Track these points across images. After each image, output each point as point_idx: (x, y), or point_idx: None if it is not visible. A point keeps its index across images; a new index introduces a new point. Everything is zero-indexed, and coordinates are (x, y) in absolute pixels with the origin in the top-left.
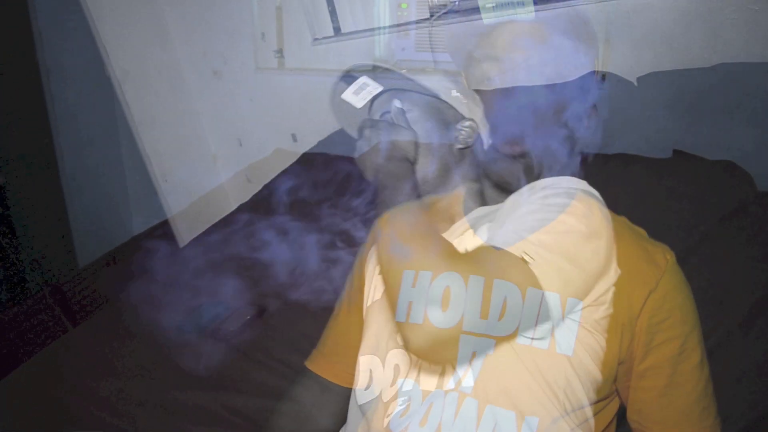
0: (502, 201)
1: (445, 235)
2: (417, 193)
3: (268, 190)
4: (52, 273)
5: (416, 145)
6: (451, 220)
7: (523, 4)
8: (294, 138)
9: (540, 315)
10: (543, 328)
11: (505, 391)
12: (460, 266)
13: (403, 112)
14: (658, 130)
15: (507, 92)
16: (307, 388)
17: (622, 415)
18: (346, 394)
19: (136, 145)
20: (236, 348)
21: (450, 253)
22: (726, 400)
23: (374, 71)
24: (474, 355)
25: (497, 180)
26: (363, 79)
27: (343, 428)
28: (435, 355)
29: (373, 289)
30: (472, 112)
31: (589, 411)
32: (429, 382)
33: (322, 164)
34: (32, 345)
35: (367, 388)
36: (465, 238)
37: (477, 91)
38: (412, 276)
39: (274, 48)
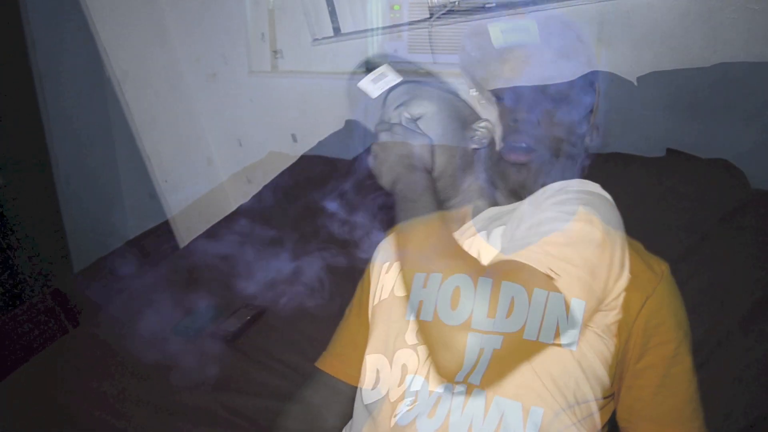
0: (512, 201)
1: (455, 235)
2: (438, 206)
3: (268, 190)
4: (47, 277)
5: (433, 147)
6: (462, 220)
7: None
8: (294, 138)
9: (561, 322)
10: (549, 326)
11: (511, 383)
12: (470, 268)
13: (414, 123)
14: (657, 130)
15: (522, 91)
16: (318, 387)
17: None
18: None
19: (133, 147)
20: (236, 348)
21: (459, 256)
22: (726, 400)
23: (395, 65)
24: (482, 351)
25: (507, 182)
26: (384, 69)
27: (346, 427)
28: (444, 351)
29: (380, 288)
30: (489, 112)
31: (593, 406)
32: (437, 378)
33: (321, 165)
34: (31, 346)
35: (373, 388)
36: (478, 240)
37: (492, 91)
38: (423, 278)
39: (274, 48)
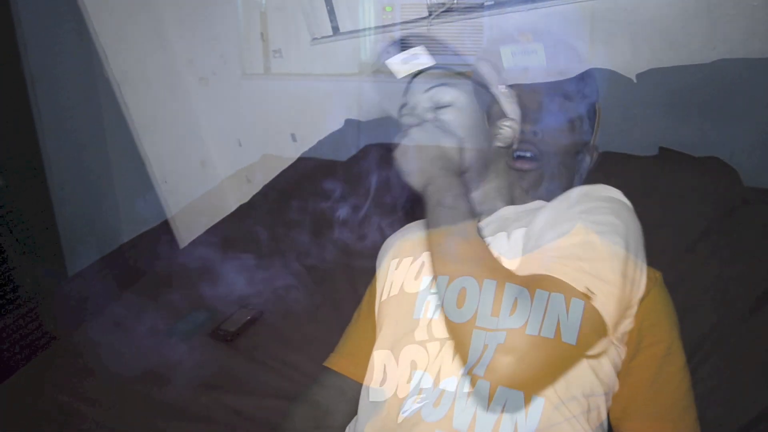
0: (527, 201)
1: None
2: (473, 214)
3: (268, 190)
4: (41, 280)
5: (462, 142)
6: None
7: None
8: (294, 138)
9: (561, 319)
10: (550, 321)
11: (514, 374)
12: (476, 271)
13: (442, 110)
14: (656, 127)
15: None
16: (326, 387)
17: None
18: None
19: (130, 149)
20: (236, 349)
21: (498, 268)
22: (728, 397)
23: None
24: (486, 347)
25: (524, 182)
26: (417, 49)
27: (350, 425)
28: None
29: (390, 285)
30: (514, 111)
31: (598, 401)
32: (444, 372)
33: (321, 165)
34: (27, 350)
35: (381, 384)
36: (498, 240)
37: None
38: (429, 281)
39: (270, 49)
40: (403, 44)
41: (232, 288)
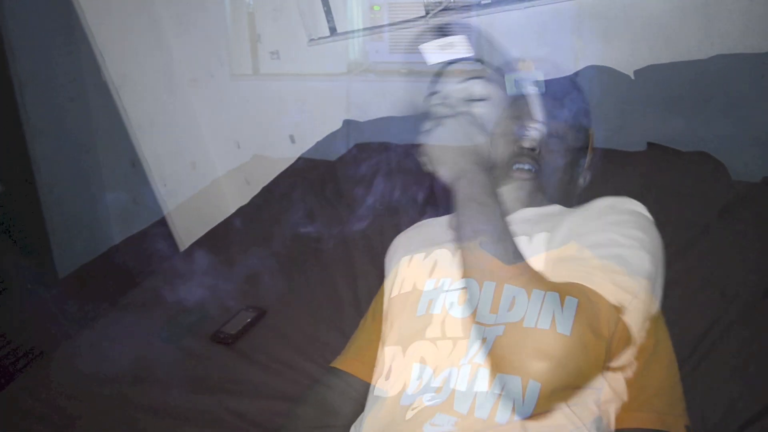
0: (545, 203)
1: None
2: (502, 212)
3: (267, 192)
4: (32, 283)
5: (492, 139)
6: None
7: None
8: (292, 139)
9: (556, 313)
10: (546, 314)
11: (512, 362)
12: (478, 275)
13: (475, 103)
14: (654, 124)
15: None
16: (332, 388)
17: None
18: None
19: (128, 152)
20: (237, 351)
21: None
22: (729, 393)
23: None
24: (485, 340)
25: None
26: (458, 38)
27: (356, 422)
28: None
29: (401, 281)
30: (542, 115)
31: (590, 395)
32: (446, 362)
33: (319, 165)
34: (15, 355)
35: (387, 379)
36: (520, 243)
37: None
38: (434, 283)
39: (257, 51)
40: (443, 32)
41: (232, 290)
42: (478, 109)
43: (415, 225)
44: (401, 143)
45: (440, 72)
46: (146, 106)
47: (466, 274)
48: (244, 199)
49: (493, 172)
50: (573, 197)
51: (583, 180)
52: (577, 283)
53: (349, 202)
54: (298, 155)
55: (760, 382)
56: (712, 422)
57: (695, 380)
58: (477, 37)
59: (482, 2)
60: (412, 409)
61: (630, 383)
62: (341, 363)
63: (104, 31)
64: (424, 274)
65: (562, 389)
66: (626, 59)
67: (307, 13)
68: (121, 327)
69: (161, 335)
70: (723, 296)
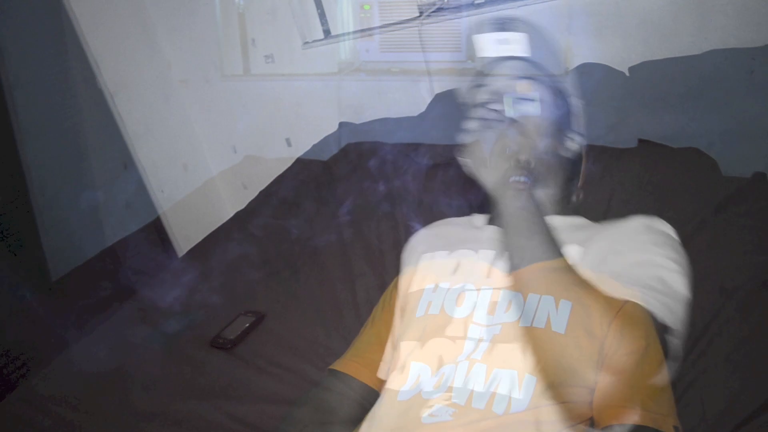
0: (569, 214)
1: None
2: (543, 217)
3: (264, 196)
4: (24, 286)
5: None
6: None
7: None
8: (288, 143)
9: (551, 315)
10: (541, 314)
11: (507, 358)
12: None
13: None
14: (651, 121)
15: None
16: (331, 390)
17: None
18: (370, 395)
19: (127, 156)
20: (236, 356)
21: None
22: (728, 388)
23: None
24: (482, 339)
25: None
26: (518, 36)
27: (369, 415)
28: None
29: (421, 278)
30: (581, 126)
31: (581, 392)
32: (446, 356)
33: (316, 168)
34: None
35: (402, 372)
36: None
37: None
38: (432, 287)
39: (265, 54)
40: (500, 25)
41: (230, 295)
42: (528, 109)
43: (434, 224)
44: (396, 143)
45: (489, 65)
46: (140, 109)
47: (522, 289)
48: (239, 201)
49: (491, 186)
50: (568, 213)
51: (576, 198)
52: (571, 288)
53: (344, 203)
54: (293, 157)
55: (760, 378)
56: (712, 417)
57: (695, 375)
58: (536, 36)
59: (475, 2)
60: (411, 400)
61: (622, 382)
62: (340, 365)
63: (97, 35)
64: (448, 272)
65: (557, 385)
66: (620, 56)
67: (301, 17)
68: (119, 334)
69: (160, 341)
70: (722, 291)
